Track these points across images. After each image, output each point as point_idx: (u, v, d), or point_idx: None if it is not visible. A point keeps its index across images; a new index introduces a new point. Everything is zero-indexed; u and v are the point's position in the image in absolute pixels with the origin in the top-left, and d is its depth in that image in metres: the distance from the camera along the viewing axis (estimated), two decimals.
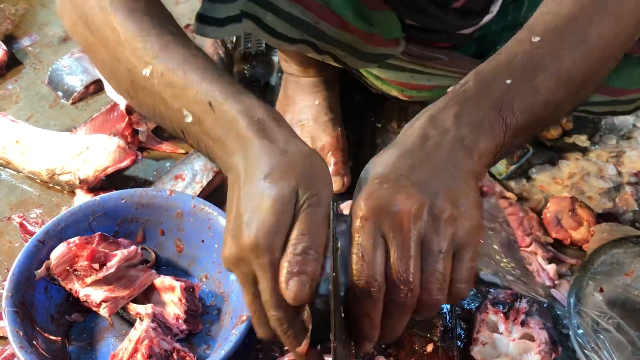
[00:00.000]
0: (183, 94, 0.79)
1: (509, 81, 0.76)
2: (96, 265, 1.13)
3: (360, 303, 0.68)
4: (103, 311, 1.14)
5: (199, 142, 0.81)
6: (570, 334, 1.16)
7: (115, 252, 1.16)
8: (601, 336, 1.12)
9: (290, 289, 0.65)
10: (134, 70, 0.83)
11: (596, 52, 0.81)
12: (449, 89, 0.78)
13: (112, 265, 1.14)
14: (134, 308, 1.15)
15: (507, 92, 0.76)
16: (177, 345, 1.11)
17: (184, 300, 1.16)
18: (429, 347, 1.13)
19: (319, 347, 0.72)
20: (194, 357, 1.10)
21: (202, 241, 1.24)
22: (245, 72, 1.68)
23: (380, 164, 0.72)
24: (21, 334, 1.07)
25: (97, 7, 0.87)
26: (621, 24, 0.83)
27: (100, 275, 1.13)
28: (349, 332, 0.72)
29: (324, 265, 0.68)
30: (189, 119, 0.79)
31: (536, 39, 0.78)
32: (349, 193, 1.37)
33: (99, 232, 1.18)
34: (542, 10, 0.83)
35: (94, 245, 1.15)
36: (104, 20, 0.86)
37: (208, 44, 1.62)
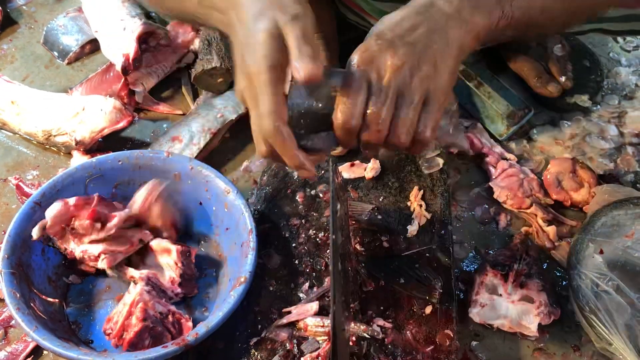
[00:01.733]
0: None
1: None
2: (98, 225, 1.13)
3: (342, 134, 0.82)
4: (102, 263, 1.13)
5: (211, 20, 0.95)
6: (570, 295, 1.16)
7: (114, 214, 1.15)
8: (601, 298, 1.12)
9: (304, 64, 0.78)
10: None
11: None
12: None
13: (112, 226, 1.14)
14: (128, 272, 1.15)
15: None
16: (172, 308, 1.11)
17: (179, 264, 1.15)
18: (428, 310, 1.13)
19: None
20: (190, 319, 1.10)
21: (200, 203, 1.24)
22: None
23: (384, 21, 0.85)
24: (18, 295, 1.06)
25: None
26: None
27: (101, 235, 1.13)
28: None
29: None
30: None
31: None
32: (349, 155, 1.36)
33: (97, 194, 1.17)
34: None
35: (93, 206, 1.14)
36: None
37: None
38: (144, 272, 1.14)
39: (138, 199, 1.19)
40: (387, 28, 0.83)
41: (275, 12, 0.82)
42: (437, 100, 0.82)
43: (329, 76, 0.83)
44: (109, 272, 1.16)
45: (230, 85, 1.49)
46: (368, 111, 0.81)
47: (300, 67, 0.78)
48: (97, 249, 1.14)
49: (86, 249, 1.14)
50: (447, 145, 1.27)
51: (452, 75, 0.84)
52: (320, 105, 0.84)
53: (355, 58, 0.82)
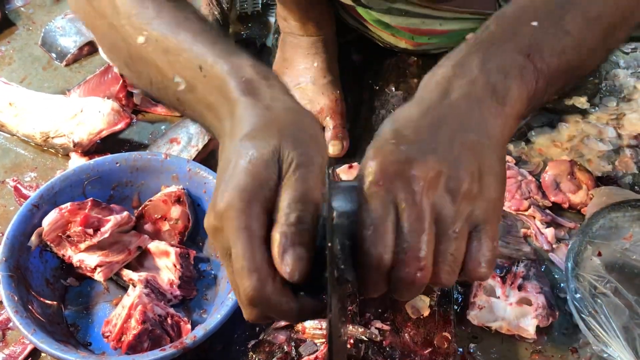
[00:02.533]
0: (176, 60, 0.74)
1: (535, 23, 0.69)
2: (90, 231, 1.13)
3: (365, 275, 0.61)
4: (98, 276, 1.13)
5: (194, 111, 0.76)
6: (568, 298, 1.16)
7: (108, 218, 1.15)
8: (599, 300, 1.12)
9: (286, 263, 0.58)
10: (130, 39, 0.79)
11: None
12: (468, 36, 0.72)
13: (106, 230, 1.14)
14: (126, 274, 1.15)
15: (533, 35, 0.69)
16: (171, 310, 1.11)
17: (178, 266, 1.15)
18: (426, 312, 1.12)
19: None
20: (189, 321, 1.10)
21: (198, 205, 1.24)
22: (242, 33, 1.66)
23: (398, 120, 0.64)
24: (16, 298, 1.06)
25: None
26: None
27: (95, 240, 1.13)
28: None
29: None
30: (182, 87, 0.74)
31: None
32: (347, 157, 1.36)
33: (91, 198, 1.18)
34: None
35: (86, 211, 1.14)
36: None
37: (203, 5, 1.59)
38: (143, 275, 1.14)
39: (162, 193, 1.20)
40: (405, 127, 0.62)
41: (280, 143, 0.61)
42: (489, 221, 0.61)
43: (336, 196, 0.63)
44: (105, 284, 1.17)
45: None
46: (402, 245, 0.60)
47: (287, 263, 0.58)
48: (93, 260, 1.14)
49: (82, 259, 1.14)
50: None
51: (503, 180, 0.64)
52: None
53: (371, 172, 0.60)
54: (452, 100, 0.64)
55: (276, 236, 0.59)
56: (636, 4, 0.77)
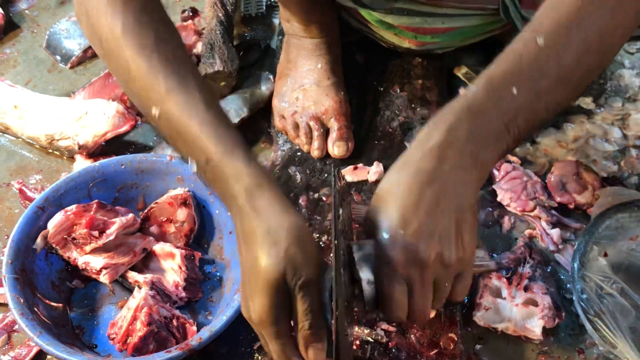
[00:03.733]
0: (185, 144, 0.88)
1: (515, 91, 0.81)
2: (95, 233, 1.13)
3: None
4: (103, 278, 1.13)
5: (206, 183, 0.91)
6: (574, 298, 1.16)
7: (113, 220, 1.15)
8: (605, 301, 1.12)
9: (310, 357, 0.81)
10: (145, 106, 0.92)
11: (596, 46, 0.85)
12: (460, 92, 0.86)
13: (112, 232, 1.14)
14: (132, 276, 1.15)
15: (513, 102, 0.81)
16: (177, 312, 1.11)
17: (183, 268, 1.15)
18: (432, 313, 1.12)
19: None
20: (194, 323, 1.10)
21: (203, 207, 1.24)
22: (246, 34, 1.66)
23: (401, 200, 0.78)
24: (22, 301, 1.06)
25: (110, 34, 0.91)
26: (620, 15, 0.85)
27: (100, 242, 1.13)
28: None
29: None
30: (194, 168, 0.88)
31: (541, 40, 0.82)
32: (352, 158, 1.36)
33: (97, 200, 1.18)
34: (545, 5, 0.86)
35: (92, 213, 1.14)
36: (117, 51, 0.91)
37: (207, 6, 1.59)
38: (149, 277, 1.14)
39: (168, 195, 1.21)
40: (410, 212, 0.77)
41: (285, 268, 0.78)
42: (468, 269, 0.83)
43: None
44: (110, 286, 1.17)
45: (232, 89, 1.49)
46: (413, 305, 0.81)
47: (310, 356, 0.81)
48: (98, 262, 1.14)
49: (88, 261, 1.14)
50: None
51: (475, 231, 0.82)
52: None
53: (389, 259, 0.77)
54: (446, 171, 0.78)
55: (299, 339, 0.81)
56: (600, 59, 0.88)
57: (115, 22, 0.91)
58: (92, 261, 1.14)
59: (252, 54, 1.61)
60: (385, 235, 0.78)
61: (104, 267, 1.13)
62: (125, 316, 1.09)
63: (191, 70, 0.92)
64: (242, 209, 0.82)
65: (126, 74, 0.91)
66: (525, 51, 0.83)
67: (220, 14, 1.56)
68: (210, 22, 1.55)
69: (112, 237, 1.14)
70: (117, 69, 0.94)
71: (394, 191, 0.79)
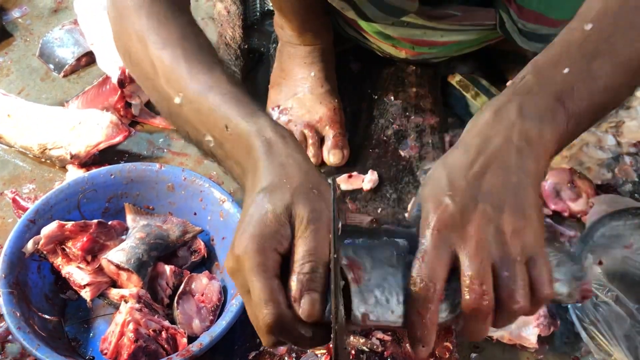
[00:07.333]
0: (207, 120, 0.83)
1: (566, 70, 0.77)
2: (89, 258, 1.14)
3: (420, 306, 0.68)
4: (85, 294, 1.13)
5: (224, 165, 0.85)
6: (569, 307, 1.16)
7: (108, 243, 1.16)
8: (600, 309, 1.12)
9: (303, 306, 0.67)
10: (169, 99, 0.88)
11: None
12: (508, 83, 0.82)
13: (101, 266, 1.15)
14: (116, 293, 1.14)
15: (565, 80, 0.77)
16: (166, 324, 1.10)
17: (170, 284, 1.15)
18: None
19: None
20: (185, 333, 1.10)
21: (195, 214, 1.24)
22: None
23: (449, 168, 0.73)
24: (18, 314, 1.06)
25: (136, 39, 0.92)
26: None
27: (89, 268, 1.13)
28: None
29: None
30: (212, 144, 0.83)
31: (588, 26, 0.79)
32: (347, 166, 1.36)
33: (96, 221, 1.18)
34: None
35: (90, 233, 1.14)
36: (143, 54, 0.91)
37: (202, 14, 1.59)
38: (134, 290, 1.13)
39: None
40: (457, 178, 0.71)
41: (292, 200, 0.71)
42: (537, 250, 0.70)
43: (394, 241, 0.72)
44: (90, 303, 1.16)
45: None
46: (463, 285, 0.68)
47: (303, 305, 0.68)
48: (82, 277, 1.14)
49: (72, 272, 1.14)
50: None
51: (541, 213, 0.72)
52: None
53: (433, 225, 0.69)
54: (494, 147, 0.72)
55: (293, 283, 0.68)
56: None
57: (140, 24, 0.92)
58: (75, 274, 1.14)
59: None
60: (429, 198, 0.72)
61: (88, 285, 1.13)
62: (113, 331, 1.08)
63: (217, 60, 0.91)
64: (259, 159, 0.76)
65: (152, 74, 0.90)
66: (572, 37, 0.80)
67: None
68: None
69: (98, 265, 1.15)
70: (144, 73, 0.93)
71: (442, 166, 0.74)
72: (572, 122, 0.76)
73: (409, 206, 0.70)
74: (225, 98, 0.83)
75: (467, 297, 0.67)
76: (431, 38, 1.32)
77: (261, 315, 0.67)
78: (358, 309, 0.69)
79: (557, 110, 0.75)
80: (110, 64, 1.48)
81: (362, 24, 1.34)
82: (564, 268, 0.74)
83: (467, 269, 0.67)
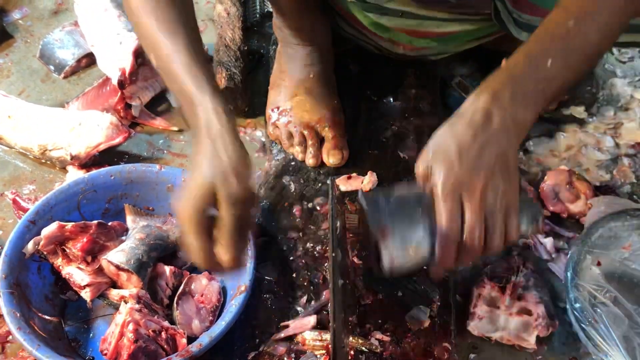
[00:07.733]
0: (174, 83, 1.00)
1: (549, 62, 0.94)
2: (89, 258, 1.14)
3: (441, 251, 0.92)
4: (85, 295, 1.13)
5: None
6: (568, 307, 1.16)
7: (108, 244, 1.16)
8: (598, 310, 1.12)
9: (226, 257, 0.91)
10: (148, 54, 1.07)
11: (613, 25, 0.98)
12: (502, 63, 0.96)
13: (101, 266, 1.15)
14: (116, 294, 1.14)
15: (547, 71, 0.94)
16: (166, 324, 1.10)
17: (170, 284, 1.16)
18: (426, 323, 1.13)
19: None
20: (184, 334, 1.10)
21: None
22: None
23: (458, 139, 0.91)
24: (18, 315, 1.06)
25: (135, 6, 1.05)
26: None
27: (88, 268, 1.14)
28: None
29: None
30: (177, 105, 1.01)
31: (570, 23, 0.95)
32: (346, 167, 1.37)
33: (96, 222, 1.18)
34: None
35: (90, 232, 1.14)
36: (137, 19, 1.06)
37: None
38: (134, 291, 1.13)
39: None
40: (464, 149, 0.91)
41: (215, 180, 0.91)
42: (513, 206, 0.92)
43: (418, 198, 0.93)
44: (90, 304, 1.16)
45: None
46: (467, 228, 0.91)
47: (224, 255, 0.91)
48: (82, 278, 1.14)
49: (72, 273, 1.14)
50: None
51: (518, 177, 0.95)
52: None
53: (445, 184, 0.90)
54: (493, 129, 0.92)
55: (222, 235, 0.91)
56: (613, 36, 1.01)
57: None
58: (75, 274, 1.14)
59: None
60: (440, 158, 0.91)
61: (88, 285, 1.13)
62: (113, 332, 1.08)
63: (186, 25, 1.05)
64: (202, 140, 0.94)
65: (139, 33, 1.10)
66: (557, 31, 0.97)
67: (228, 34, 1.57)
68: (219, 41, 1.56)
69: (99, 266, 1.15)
70: (139, 24, 1.06)
71: (451, 136, 0.92)
72: (546, 106, 0.98)
73: (416, 166, 0.95)
74: (192, 69, 0.99)
75: (467, 236, 0.90)
76: (427, 28, 1.31)
77: (197, 258, 0.92)
78: (386, 259, 0.91)
79: (539, 97, 0.95)
80: (111, 66, 1.48)
81: (358, 14, 1.32)
82: (525, 212, 0.96)
83: (469, 217, 0.90)
